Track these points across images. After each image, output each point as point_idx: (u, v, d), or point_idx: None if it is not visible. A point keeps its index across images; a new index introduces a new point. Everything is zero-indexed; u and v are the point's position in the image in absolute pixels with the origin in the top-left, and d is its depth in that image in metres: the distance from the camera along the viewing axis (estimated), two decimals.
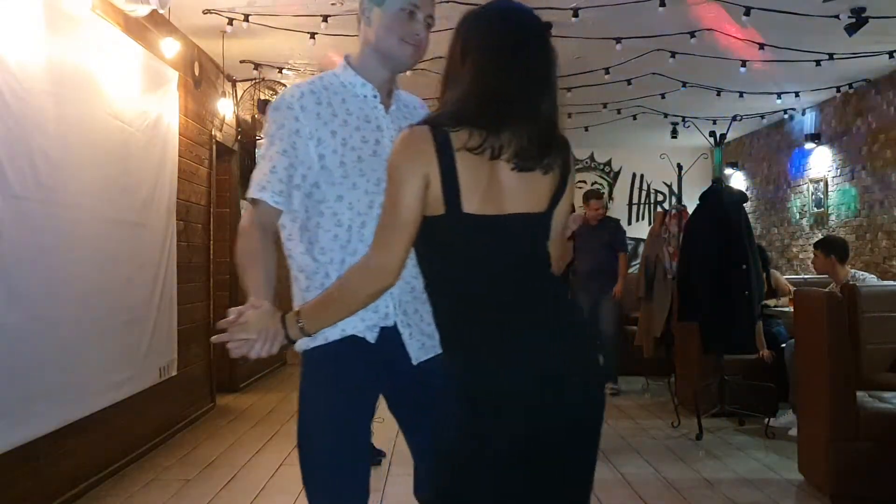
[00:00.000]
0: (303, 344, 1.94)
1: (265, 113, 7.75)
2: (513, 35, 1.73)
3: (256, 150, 7.82)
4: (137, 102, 4.82)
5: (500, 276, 1.71)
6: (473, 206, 1.66)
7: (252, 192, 1.95)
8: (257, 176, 1.96)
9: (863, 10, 5.37)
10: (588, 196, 7.41)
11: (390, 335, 1.99)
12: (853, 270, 5.95)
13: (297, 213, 1.98)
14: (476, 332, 1.71)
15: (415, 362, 2.00)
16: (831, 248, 5.59)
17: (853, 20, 5.43)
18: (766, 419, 5.55)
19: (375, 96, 2.06)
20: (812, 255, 5.90)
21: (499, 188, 1.69)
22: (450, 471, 1.76)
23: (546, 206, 1.76)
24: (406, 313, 2.00)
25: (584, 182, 11.97)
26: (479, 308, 1.71)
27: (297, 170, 1.94)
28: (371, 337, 1.97)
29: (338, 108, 2.01)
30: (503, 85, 1.69)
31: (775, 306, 6.19)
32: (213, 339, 1.82)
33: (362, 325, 1.96)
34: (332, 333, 1.95)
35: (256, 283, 1.87)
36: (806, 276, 7.43)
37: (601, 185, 11.39)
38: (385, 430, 5.78)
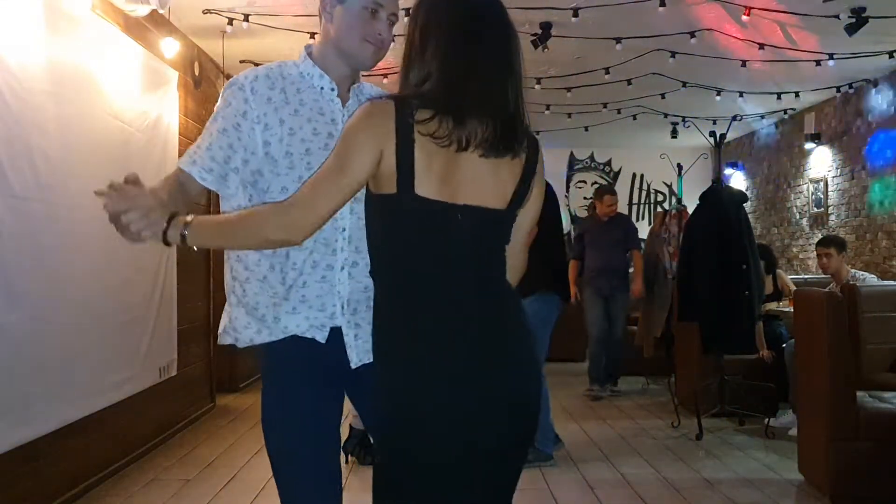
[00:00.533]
0: (246, 339, 1.95)
1: None
2: (474, 20, 1.68)
3: None
4: (137, 102, 4.81)
5: (446, 269, 1.66)
6: (427, 189, 1.62)
7: (182, 163, 1.92)
8: (192, 148, 1.94)
9: (863, 9, 5.37)
10: (601, 192, 7.25)
11: (338, 335, 1.94)
12: (853, 270, 5.96)
13: (240, 203, 1.94)
14: (414, 321, 1.66)
15: (354, 365, 1.94)
16: (842, 247, 5.68)
17: (853, 20, 5.44)
18: (766, 419, 5.55)
19: (333, 89, 1.99)
20: (816, 255, 5.90)
21: (457, 177, 1.64)
22: (387, 461, 1.72)
23: (506, 205, 1.71)
24: (356, 312, 1.94)
25: (584, 182, 11.99)
26: (421, 298, 1.66)
27: (236, 152, 1.90)
28: (321, 336, 1.92)
29: (291, 96, 1.95)
30: (467, 73, 1.64)
31: (777, 307, 6.18)
32: (96, 190, 1.73)
33: (306, 323, 1.91)
34: (275, 331, 1.92)
35: (163, 187, 1.85)
36: (806, 277, 7.43)
37: (601, 185, 11.38)
38: None
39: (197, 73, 6.15)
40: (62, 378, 3.85)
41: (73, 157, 4.00)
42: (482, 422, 1.65)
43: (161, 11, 4.80)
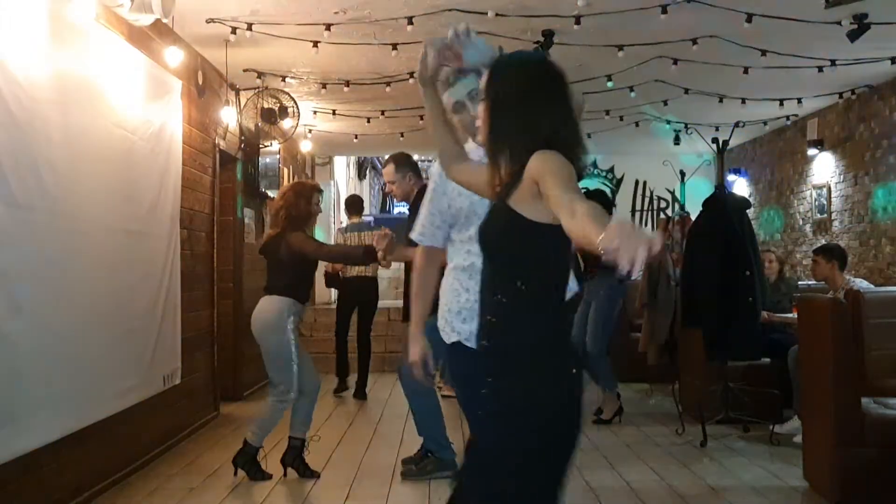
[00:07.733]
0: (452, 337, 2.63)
1: (268, 121, 7.65)
2: (552, 81, 2.15)
3: (259, 159, 7.86)
4: (141, 111, 4.83)
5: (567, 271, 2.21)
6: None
7: (412, 235, 2.83)
8: (417, 225, 2.81)
9: (865, 16, 5.37)
10: None
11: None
12: (849, 277, 5.95)
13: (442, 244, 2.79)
14: (555, 319, 2.16)
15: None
16: (833, 255, 5.68)
17: (855, 26, 5.44)
18: (771, 426, 5.53)
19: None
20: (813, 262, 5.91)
21: None
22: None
23: None
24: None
25: (587, 189, 11.96)
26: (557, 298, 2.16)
27: (439, 216, 2.74)
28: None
29: None
30: (565, 119, 2.13)
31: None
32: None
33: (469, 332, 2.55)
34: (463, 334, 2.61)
35: (419, 314, 2.80)
36: (810, 283, 7.41)
37: (604, 192, 11.38)
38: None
39: (200, 82, 6.16)
40: (65, 387, 3.86)
41: (78, 166, 4.01)
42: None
43: (164, 21, 4.81)
